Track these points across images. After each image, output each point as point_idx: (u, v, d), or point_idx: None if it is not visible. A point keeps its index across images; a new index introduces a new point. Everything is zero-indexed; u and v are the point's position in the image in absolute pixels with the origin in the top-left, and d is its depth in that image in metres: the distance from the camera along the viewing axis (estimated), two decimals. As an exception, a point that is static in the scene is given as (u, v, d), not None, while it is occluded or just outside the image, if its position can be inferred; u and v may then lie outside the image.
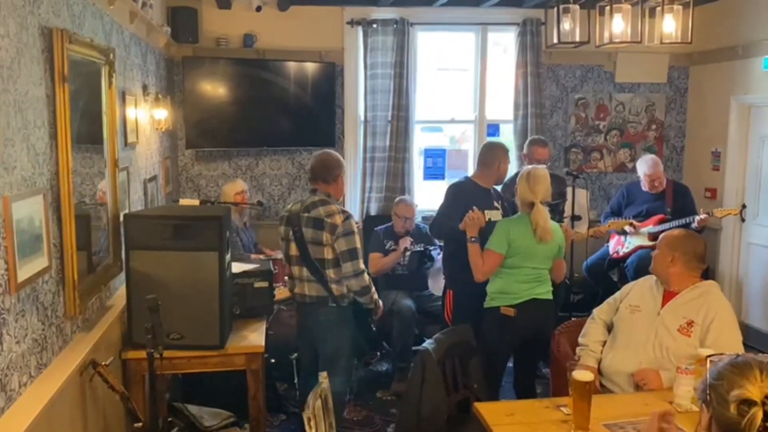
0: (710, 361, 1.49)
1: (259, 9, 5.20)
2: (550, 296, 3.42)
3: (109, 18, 3.03)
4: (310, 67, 5.41)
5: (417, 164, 5.81)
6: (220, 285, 2.82)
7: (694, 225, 4.38)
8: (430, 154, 5.87)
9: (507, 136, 5.76)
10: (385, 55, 5.42)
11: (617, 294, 3.08)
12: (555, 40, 4.21)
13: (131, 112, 3.41)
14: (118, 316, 2.86)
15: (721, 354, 1.58)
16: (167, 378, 3.32)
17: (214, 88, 5.24)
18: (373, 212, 5.58)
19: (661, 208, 4.74)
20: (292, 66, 5.37)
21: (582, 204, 4.86)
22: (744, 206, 4.80)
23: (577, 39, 4.16)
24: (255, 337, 3.11)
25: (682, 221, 4.47)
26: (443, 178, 5.80)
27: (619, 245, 4.89)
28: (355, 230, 3.24)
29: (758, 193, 5.22)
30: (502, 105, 5.81)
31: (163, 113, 4.34)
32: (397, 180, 5.53)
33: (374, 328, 3.59)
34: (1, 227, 1.78)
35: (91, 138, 2.72)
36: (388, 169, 5.52)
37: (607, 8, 3.99)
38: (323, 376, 2.42)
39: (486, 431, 2.34)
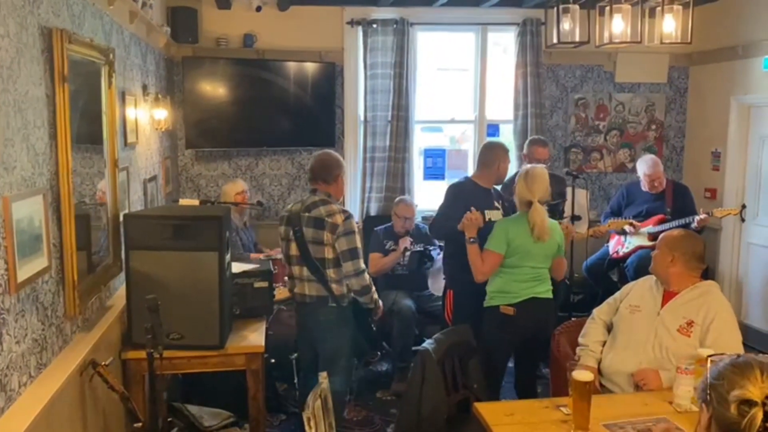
0: (711, 360, 1.49)
1: (259, 9, 5.20)
2: (549, 295, 3.42)
3: (109, 18, 3.03)
4: (310, 67, 5.41)
5: (417, 164, 5.81)
6: (220, 285, 2.82)
7: (694, 225, 4.38)
8: (430, 154, 5.87)
9: (507, 136, 5.76)
10: (385, 55, 5.42)
11: (617, 294, 3.08)
12: (555, 40, 4.21)
13: (131, 112, 3.41)
14: (117, 316, 2.86)
15: (722, 354, 1.58)
16: (167, 378, 3.32)
17: (214, 88, 5.23)
18: (373, 212, 5.58)
19: (660, 208, 4.74)
20: (292, 66, 5.37)
21: (582, 204, 4.86)
22: (744, 206, 4.81)
23: (577, 39, 4.16)
24: (255, 337, 3.11)
25: (682, 221, 4.48)
26: (443, 178, 5.80)
27: (619, 245, 4.89)
28: (356, 230, 3.25)
29: (758, 193, 5.22)
30: (502, 105, 5.81)
31: (163, 113, 4.34)
32: (397, 180, 5.53)
33: (374, 328, 3.59)
34: (0, 227, 1.78)
35: (91, 138, 2.71)
36: (388, 169, 5.52)
37: (607, 8, 3.99)
38: (323, 376, 2.42)
39: (486, 431, 2.34)
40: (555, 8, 4.14)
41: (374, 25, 5.41)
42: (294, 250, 3.31)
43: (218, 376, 3.25)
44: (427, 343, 3.07)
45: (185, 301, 2.77)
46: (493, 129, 5.91)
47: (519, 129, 5.60)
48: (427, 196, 5.68)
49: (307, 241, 3.24)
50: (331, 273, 3.23)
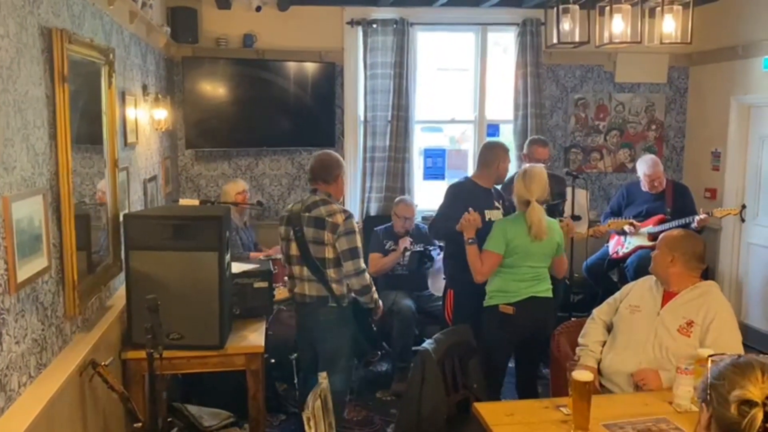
0: (712, 360, 1.49)
1: (258, 9, 5.20)
2: (549, 294, 3.42)
3: (109, 18, 3.03)
4: (310, 67, 5.41)
5: (417, 164, 5.81)
6: (220, 285, 2.82)
7: (694, 225, 4.38)
8: (429, 154, 5.87)
9: (507, 137, 5.76)
10: (385, 55, 5.42)
11: (617, 294, 3.08)
12: (555, 41, 4.21)
13: (131, 112, 3.41)
14: (117, 316, 2.86)
15: (722, 354, 1.58)
16: (167, 378, 3.32)
17: (214, 88, 5.23)
18: (372, 212, 5.58)
19: (660, 208, 4.74)
20: (292, 66, 5.37)
21: (582, 204, 4.86)
22: (744, 206, 4.81)
23: (577, 39, 4.15)
24: (255, 337, 3.11)
25: (682, 221, 4.47)
26: (443, 178, 5.80)
27: (618, 245, 4.89)
28: (356, 229, 3.25)
29: (758, 193, 5.22)
30: (502, 105, 5.81)
31: (162, 113, 4.34)
32: (397, 180, 5.53)
33: (375, 328, 3.59)
34: (0, 227, 1.78)
35: (91, 138, 2.72)
36: (388, 169, 5.52)
37: (607, 8, 3.99)
38: (323, 377, 2.42)
39: (485, 431, 2.33)
40: (555, 8, 4.13)
41: (374, 25, 5.41)
42: (294, 249, 3.31)
43: (218, 376, 3.25)
44: (427, 343, 3.07)
45: (185, 301, 2.77)
46: (493, 129, 5.91)
47: (519, 129, 5.60)
48: (427, 196, 5.68)
49: (307, 240, 3.25)
50: (331, 273, 3.24)
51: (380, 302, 3.44)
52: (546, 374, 4.12)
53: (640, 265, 4.45)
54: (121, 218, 2.94)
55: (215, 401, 3.64)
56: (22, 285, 1.89)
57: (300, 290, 3.33)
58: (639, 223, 4.75)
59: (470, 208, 3.45)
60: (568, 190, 4.68)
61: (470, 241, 3.40)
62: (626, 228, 4.79)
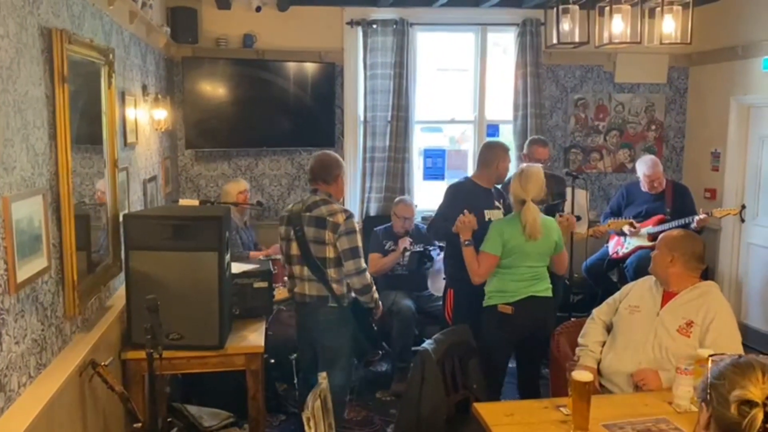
0: (712, 360, 1.49)
1: (258, 9, 5.20)
2: (549, 293, 3.42)
3: (109, 18, 3.03)
4: (310, 67, 5.41)
5: (417, 164, 5.81)
6: (220, 285, 2.82)
7: (693, 225, 4.38)
8: (429, 154, 5.87)
9: (506, 137, 5.76)
10: (385, 55, 5.42)
11: (617, 294, 3.08)
12: (554, 41, 4.21)
13: (131, 113, 3.41)
14: (117, 316, 2.86)
15: (722, 354, 1.58)
16: (166, 378, 3.32)
17: (214, 89, 5.23)
18: (372, 212, 5.58)
19: (660, 208, 4.74)
20: (291, 66, 5.37)
21: (581, 204, 4.86)
22: (743, 206, 4.81)
23: (577, 39, 4.16)
24: (254, 337, 3.11)
25: (682, 221, 4.48)
26: (443, 179, 5.80)
27: (618, 245, 4.89)
28: (357, 229, 3.26)
29: (758, 194, 5.22)
30: (502, 105, 5.81)
31: (162, 113, 4.34)
32: (396, 180, 5.53)
33: (375, 328, 3.59)
34: (0, 227, 1.78)
35: (91, 138, 2.72)
36: (387, 170, 5.52)
37: (607, 9, 3.99)
38: (322, 377, 2.42)
39: (485, 431, 2.33)
40: (555, 9, 4.14)
41: (374, 26, 5.41)
42: (295, 249, 3.31)
43: (218, 376, 3.25)
44: (427, 344, 3.07)
45: (185, 301, 2.77)
46: (493, 129, 5.91)
47: (519, 129, 5.60)
48: (427, 197, 5.68)
49: (308, 240, 3.25)
50: (332, 273, 3.24)
51: (380, 302, 3.44)
52: (546, 374, 4.12)
53: (639, 266, 4.45)
54: (120, 218, 2.94)
55: (215, 401, 3.64)
56: (22, 285, 1.89)
57: (300, 290, 3.34)
58: (639, 224, 4.75)
59: (465, 210, 3.45)
60: (568, 190, 4.68)
61: (466, 242, 3.40)
62: (625, 229, 4.79)
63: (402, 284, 4.67)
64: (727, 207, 4.95)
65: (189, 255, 2.79)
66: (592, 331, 2.99)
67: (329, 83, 5.46)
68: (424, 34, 5.70)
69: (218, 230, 2.82)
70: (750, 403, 1.34)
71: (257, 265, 3.51)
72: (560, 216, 3.61)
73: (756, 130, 5.27)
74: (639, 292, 2.96)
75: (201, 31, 5.23)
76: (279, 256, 3.69)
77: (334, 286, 3.25)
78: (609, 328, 2.99)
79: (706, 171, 5.75)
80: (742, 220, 5.10)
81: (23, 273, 1.89)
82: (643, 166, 4.84)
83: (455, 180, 4.09)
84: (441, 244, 4.40)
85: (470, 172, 4.90)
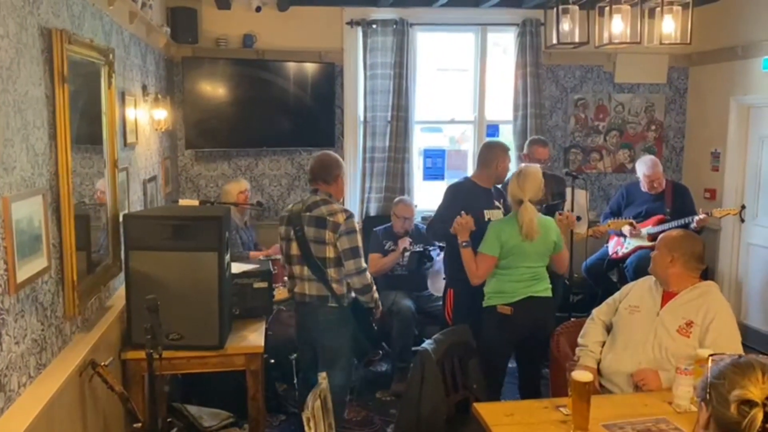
0: (712, 360, 1.49)
1: (258, 9, 5.20)
2: (548, 293, 3.42)
3: (109, 18, 3.03)
4: (310, 67, 5.41)
5: (416, 165, 5.81)
6: (220, 285, 2.82)
7: (693, 225, 4.39)
8: (429, 154, 5.87)
9: (506, 137, 5.76)
10: (385, 55, 5.42)
11: (616, 294, 3.08)
12: (554, 41, 4.21)
13: (131, 113, 3.41)
14: (117, 316, 2.86)
15: (723, 354, 1.58)
16: (166, 378, 3.32)
17: (214, 89, 5.23)
18: (372, 212, 5.58)
19: (660, 208, 4.74)
20: (291, 66, 5.37)
21: (581, 204, 4.87)
22: (743, 206, 4.81)
23: (577, 40, 4.16)
24: (254, 337, 3.11)
25: (681, 222, 4.48)
26: (443, 179, 5.80)
27: (618, 246, 4.89)
28: (357, 229, 3.26)
29: (757, 194, 5.22)
30: (502, 105, 5.81)
31: (162, 113, 4.34)
32: (396, 180, 5.53)
33: (375, 327, 3.59)
34: (0, 227, 1.78)
35: (91, 138, 2.72)
36: (387, 170, 5.52)
37: (607, 9, 3.99)
38: (322, 377, 2.42)
39: (485, 431, 2.33)
40: (554, 9, 4.14)
41: (374, 26, 5.41)
42: (295, 249, 3.31)
43: (218, 376, 3.25)
44: (427, 344, 3.07)
45: (185, 301, 2.77)
46: (493, 129, 5.92)
47: (518, 129, 5.60)
48: (427, 197, 5.68)
49: (308, 240, 3.25)
50: (332, 272, 3.24)
51: (380, 302, 3.44)
52: (546, 374, 4.12)
53: (639, 266, 4.45)
54: (120, 218, 2.94)
55: (215, 401, 3.64)
56: (22, 285, 1.89)
57: (300, 290, 3.34)
58: (638, 224, 4.75)
59: (462, 212, 3.45)
60: (568, 190, 4.68)
61: (464, 244, 3.40)
62: (625, 230, 4.78)
63: (402, 284, 4.67)
64: (726, 207, 4.95)
65: (189, 255, 2.79)
66: (591, 331, 2.99)
67: (329, 83, 5.46)
68: (424, 34, 5.70)
69: (218, 230, 2.82)
70: (750, 403, 1.34)
71: (257, 265, 3.51)
72: (560, 214, 3.60)
73: (756, 130, 5.27)
74: (639, 292, 2.96)
75: (201, 31, 5.23)
76: (279, 257, 3.69)
77: (335, 285, 3.25)
78: (609, 329, 2.99)
79: (705, 171, 5.75)
80: (742, 220, 5.10)
81: (23, 273, 1.89)
82: (643, 167, 4.84)
83: (455, 180, 4.09)
84: (441, 244, 4.41)
85: (470, 172, 4.90)
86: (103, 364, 2.39)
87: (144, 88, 3.88)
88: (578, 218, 4.68)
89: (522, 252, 3.31)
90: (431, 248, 4.64)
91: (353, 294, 3.31)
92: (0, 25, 1.79)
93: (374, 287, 3.33)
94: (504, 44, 5.88)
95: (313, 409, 2.16)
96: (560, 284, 4.11)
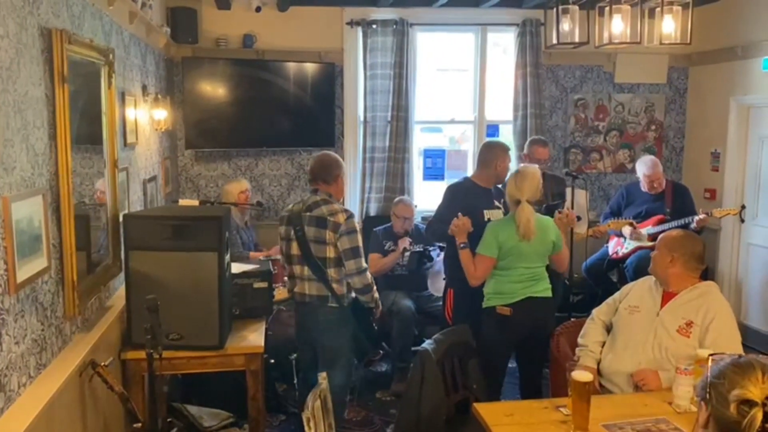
0: (712, 360, 1.49)
1: (258, 9, 5.20)
2: (548, 294, 3.41)
3: (109, 18, 3.03)
4: (310, 67, 5.41)
5: (416, 165, 5.81)
6: (220, 285, 2.82)
7: (693, 225, 4.39)
8: (429, 154, 5.87)
9: (506, 137, 5.76)
10: (385, 55, 5.42)
11: (616, 294, 3.08)
12: (554, 41, 4.21)
13: (131, 113, 3.41)
14: (117, 316, 2.86)
15: (723, 354, 1.58)
16: (166, 378, 3.32)
17: (214, 89, 5.24)
18: (372, 212, 5.58)
19: (660, 208, 4.74)
20: (291, 66, 5.37)
21: (581, 204, 4.86)
22: (743, 207, 4.81)
23: (577, 40, 4.16)
24: (254, 337, 3.11)
25: (681, 222, 4.48)
26: (443, 179, 5.80)
27: (618, 246, 4.89)
28: (357, 229, 3.26)
29: (757, 194, 5.22)
30: (502, 105, 5.81)
31: (162, 113, 4.34)
32: (396, 180, 5.53)
33: (376, 327, 3.59)
34: (0, 227, 1.78)
35: (91, 138, 2.72)
36: (387, 170, 5.52)
37: (607, 9, 3.99)
38: (322, 377, 2.42)
39: (485, 431, 2.33)
40: (554, 9, 4.14)
41: (374, 26, 5.41)
42: (295, 249, 3.31)
43: (218, 376, 3.25)
44: (427, 344, 3.07)
45: (185, 301, 2.77)
46: (493, 129, 5.92)
47: (518, 129, 5.60)
48: (427, 197, 5.68)
49: (308, 240, 3.25)
50: (332, 272, 3.24)
51: (380, 302, 3.44)
52: (546, 374, 4.12)
53: (639, 266, 4.45)
54: (120, 218, 2.94)
55: (215, 401, 3.64)
56: (22, 285, 1.89)
57: (300, 290, 3.34)
58: (638, 224, 4.75)
59: (459, 213, 3.44)
60: (568, 190, 4.68)
61: (462, 245, 3.39)
62: (625, 231, 4.78)
63: (402, 284, 4.67)
64: (726, 207, 4.95)
65: (189, 255, 2.79)
66: (591, 331, 2.99)
67: (329, 83, 5.46)
68: (424, 34, 5.70)
69: (218, 230, 2.82)
70: (749, 403, 1.34)
71: (257, 265, 3.51)
72: (559, 212, 3.59)
73: (756, 130, 5.27)
74: (639, 292, 2.96)
75: (201, 31, 5.23)
76: (279, 257, 3.69)
77: (335, 285, 3.25)
78: (609, 329, 2.99)
79: (705, 171, 5.75)
80: (742, 221, 5.10)
81: (23, 273, 1.89)
82: (643, 167, 4.84)
83: (454, 180, 4.09)
84: (441, 244, 4.41)
85: (470, 172, 4.90)
86: (103, 364, 2.39)
87: (144, 88, 3.88)
88: (578, 218, 4.68)
89: (520, 252, 3.30)
90: (431, 248, 4.64)
91: (353, 294, 3.31)
92: (0, 25, 1.79)
93: (374, 287, 3.33)
94: (504, 44, 5.88)
95: (313, 409, 2.16)
96: (560, 284, 4.11)
